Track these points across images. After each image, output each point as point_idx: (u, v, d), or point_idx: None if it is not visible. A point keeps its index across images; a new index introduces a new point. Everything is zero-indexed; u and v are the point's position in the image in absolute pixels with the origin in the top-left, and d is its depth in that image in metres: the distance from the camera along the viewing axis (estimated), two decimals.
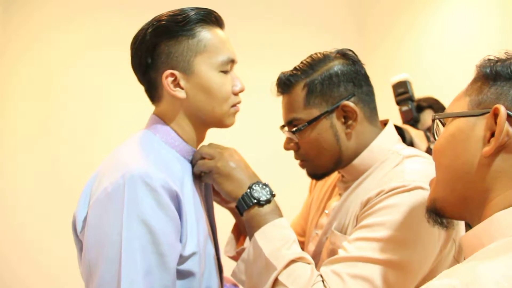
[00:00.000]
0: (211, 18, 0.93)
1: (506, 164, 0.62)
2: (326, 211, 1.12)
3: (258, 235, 0.91)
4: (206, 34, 0.91)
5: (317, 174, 1.08)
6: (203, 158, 0.96)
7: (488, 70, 0.67)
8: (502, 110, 0.61)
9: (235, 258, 1.12)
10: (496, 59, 0.68)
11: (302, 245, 1.18)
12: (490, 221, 0.61)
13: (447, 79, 2.38)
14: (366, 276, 0.85)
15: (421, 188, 0.89)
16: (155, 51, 0.90)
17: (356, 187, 1.03)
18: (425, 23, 2.69)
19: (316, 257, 1.08)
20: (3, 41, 2.79)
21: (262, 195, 0.93)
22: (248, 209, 0.93)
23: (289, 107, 1.04)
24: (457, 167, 0.67)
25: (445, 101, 2.11)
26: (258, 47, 3.03)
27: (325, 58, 1.03)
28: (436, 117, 0.74)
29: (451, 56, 2.44)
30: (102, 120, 2.85)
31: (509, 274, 0.52)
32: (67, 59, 2.83)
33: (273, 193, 0.95)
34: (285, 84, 1.03)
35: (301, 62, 1.04)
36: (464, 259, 0.62)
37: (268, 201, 0.93)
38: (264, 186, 0.95)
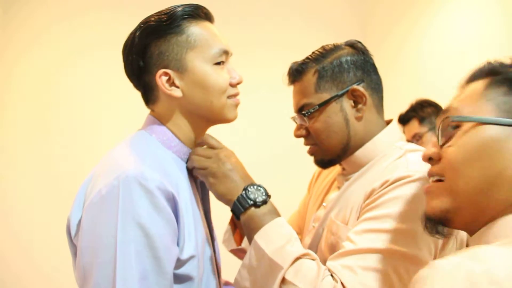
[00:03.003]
0: (199, 13, 0.91)
1: None
2: (324, 204, 1.12)
3: (258, 237, 0.89)
4: (194, 28, 0.90)
5: (324, 160, 1.08)
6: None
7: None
8: None
9: (234, 252, 1.13)
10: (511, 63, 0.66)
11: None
12: (495, 223, 0.61)
13: (449, 80, 2.35)
14: (378, 268, 0.85)
15: (426, 179, 0.88)
16: (146, 53, 0.89)
17: (357, 179, 1.03)
18: (428, 24, 2.67)
19: (313, 249, 1.08)
20: (3, 41, 2.78)
21: (258, 196, 0.92)
22: (244, 211, 0.91)
23: (300, 93, 1.06)
24: (488, 179, 0.63)
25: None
26: (260, 46, 3.02)
27: (335, 48, 1.06)
28: (455, 119, 0.68)
29: (453, 57, 2.42)
30: (102, 120, 2.84)
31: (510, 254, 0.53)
32: (67, 59, 2.83)
33: (269, 194, 0.94)
34: (296, 71, 1.06)
35: (313, 52, 1.07)
36: None
37: (264, 202, 0.92)
38: (258, 188, 0.93)
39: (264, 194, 0.93)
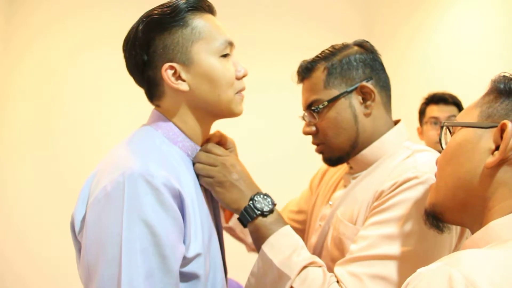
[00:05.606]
0: (202, 5, 0.91)
1: (507, 176, 0.66)
2: (330, 202, 1.12)
3: (265, 246, 0.91)
4: (198, 21, 0.89)
5: (332, 158, 1.09)
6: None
7: (502, 86, 0.70)
8: (510, 126, 0.65)
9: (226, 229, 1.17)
10: (511, 76, 0.72)
11: (301, 234, 1.20)
12: (486, 229, 0.65)
13: (455, 80, 2.35)
14: (384, 275, 0.85)
15: (434, 180, 0.88)
16: (150, 47, 0.87)
17: (364, 177, 1.03)
18: (434, 24, 2.66)
19: (319, 247, 1.09)
20: (8, 35, 2.78)
21: (265, 205, 0.94)
22: (252, 221, 0.93)
23: (309, 90, 1.07)
24: (460, 175, 0.70)
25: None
26: (265, 47, 3.02)
27: (344, 47, 1.08)
28: (446, 124, 0.77)
29: (459, 57, 2.41)
30: (105, 118, 2.83)
31: (491, 256, 0.56)
32: (70, 55, 2.82)
33: (275, 202, 0.96)
34: (306, 69, 1.08)
35: (322, 51, 1.09)
36: None
37: (271, 211, 0.94)
38: (265, 197, 0.95)
39: (270, 203, 0.94)
